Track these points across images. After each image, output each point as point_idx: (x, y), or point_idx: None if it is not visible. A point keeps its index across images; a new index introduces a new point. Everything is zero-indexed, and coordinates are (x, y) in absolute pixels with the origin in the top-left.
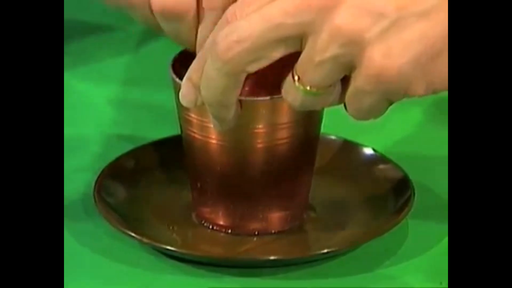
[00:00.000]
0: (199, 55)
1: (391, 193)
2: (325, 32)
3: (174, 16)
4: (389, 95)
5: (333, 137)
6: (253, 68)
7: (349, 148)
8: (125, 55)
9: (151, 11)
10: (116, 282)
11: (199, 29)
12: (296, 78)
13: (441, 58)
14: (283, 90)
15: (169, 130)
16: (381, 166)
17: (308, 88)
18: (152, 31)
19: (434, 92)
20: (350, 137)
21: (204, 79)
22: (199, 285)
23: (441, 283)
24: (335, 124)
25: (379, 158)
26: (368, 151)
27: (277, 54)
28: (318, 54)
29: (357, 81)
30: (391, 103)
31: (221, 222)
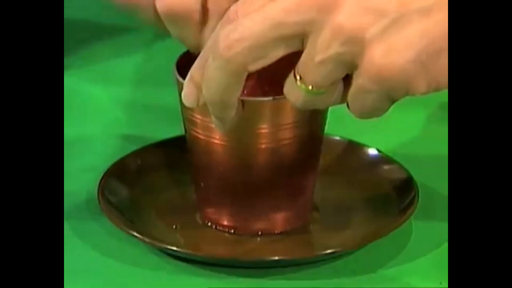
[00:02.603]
0: (201, 55)
1: (395, 194)
2: (326, 30)
3: (179, 17)
4: (391, 93)
5: (337, 137)
6: (255, 67)
7: (353, 148)
8: (129, 55)
9: (157, 12)
10: (119, 282)
11: (204, 31)
12: (297, 77)
13: (442, 56)
14: (285, 90)
15: (173, 130)
16: (385, 167)
17: (310, 87)
18: (157, 31)
19: (437, 89)
20: (353, 137)
21: (205, 78)
22: (202, 285)
23: (441, 283)
24: (339, 125)
25: (383, 159)
26: (372, 151)
27: (279, 53)
28: (320, 53)
29: (359, 80)
30: (393, 102)
31: (225, 222)
